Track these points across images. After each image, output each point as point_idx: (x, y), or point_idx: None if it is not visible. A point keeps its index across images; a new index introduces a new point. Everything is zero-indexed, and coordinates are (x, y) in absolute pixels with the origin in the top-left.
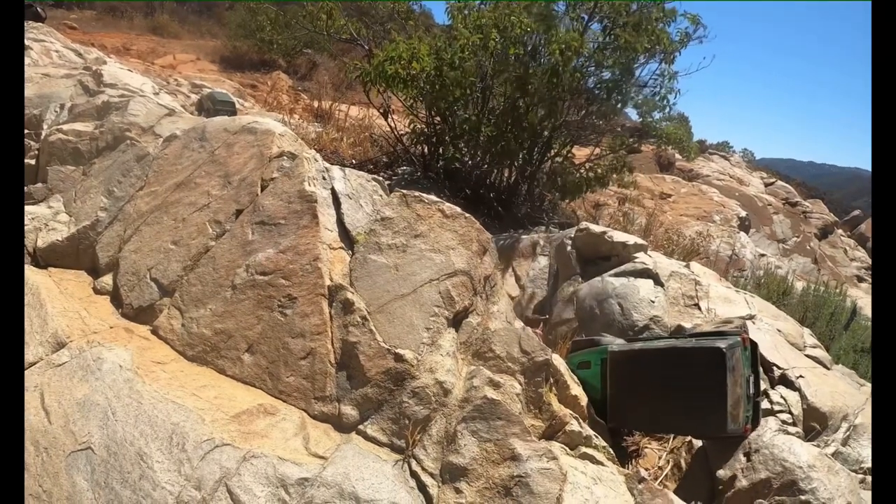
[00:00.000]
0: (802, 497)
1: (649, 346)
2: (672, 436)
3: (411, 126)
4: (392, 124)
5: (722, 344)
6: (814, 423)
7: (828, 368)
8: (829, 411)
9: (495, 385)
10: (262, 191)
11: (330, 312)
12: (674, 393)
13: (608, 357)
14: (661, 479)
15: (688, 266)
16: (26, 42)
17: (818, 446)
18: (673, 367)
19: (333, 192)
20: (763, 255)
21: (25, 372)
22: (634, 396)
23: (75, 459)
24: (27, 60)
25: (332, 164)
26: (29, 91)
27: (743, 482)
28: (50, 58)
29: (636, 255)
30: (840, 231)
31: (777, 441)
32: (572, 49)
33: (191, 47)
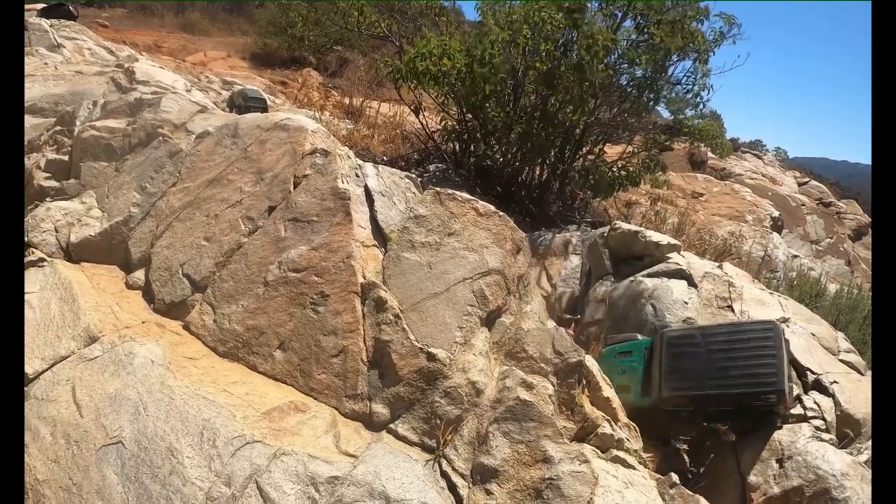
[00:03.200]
0: None
1: (711, 324)
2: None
3: (442, 123)
4: (423, 121)
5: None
6: (847, 430)
7: (862, 374)
8: (863, 418)
9: (528, 386)
10: (294, 188)
11: (362, 310)
12: (734, 361)
13: (663, 338)
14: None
15: (721, 267)
16: (59, 40)
17: (851, 454)
18: (734, 341)
19: (367, 190)
20: (796, 257)
21: (58, 365)
22: (690, 368)
23: (106, 453)
24: (59, 58)
25: (363, 160)
26: (62, 88)
27: (775, 489)
28: (82, 55)
29: (669, 255)
30: None
31: (811, 448)
32: (600, 44)
33: (221, 44)
